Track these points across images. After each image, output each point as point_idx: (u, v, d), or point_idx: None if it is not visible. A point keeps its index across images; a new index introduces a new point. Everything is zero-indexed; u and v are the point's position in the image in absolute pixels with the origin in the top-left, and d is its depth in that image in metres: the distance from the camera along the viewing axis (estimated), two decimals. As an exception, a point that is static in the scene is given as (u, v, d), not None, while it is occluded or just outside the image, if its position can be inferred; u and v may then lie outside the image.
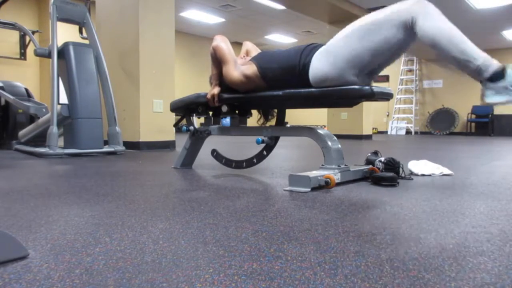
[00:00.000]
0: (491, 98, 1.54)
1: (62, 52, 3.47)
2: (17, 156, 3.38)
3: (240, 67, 2.09)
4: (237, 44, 11.28)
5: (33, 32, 6.10)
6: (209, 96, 2.20)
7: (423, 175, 2.23)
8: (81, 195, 1.56)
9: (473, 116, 11.26)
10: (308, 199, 1.51)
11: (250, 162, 2.32)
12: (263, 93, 2.06)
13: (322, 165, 1.92)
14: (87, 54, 3.60)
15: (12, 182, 1.90)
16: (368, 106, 7.81)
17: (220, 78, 2.20)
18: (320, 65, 1.82)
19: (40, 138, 3.78)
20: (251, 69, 2.04)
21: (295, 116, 13.23)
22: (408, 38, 1.67)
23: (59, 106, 3.39)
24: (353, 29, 1.75)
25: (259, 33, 10.24)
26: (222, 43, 2.16)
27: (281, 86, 1.99)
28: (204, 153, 3.27)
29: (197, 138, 2.48)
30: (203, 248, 0.91)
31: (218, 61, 2.16)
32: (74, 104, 3.42)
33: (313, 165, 2.67)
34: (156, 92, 4.20)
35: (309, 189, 1.67)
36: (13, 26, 4.82)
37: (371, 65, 1.78)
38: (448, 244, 0.96)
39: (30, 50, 7.24)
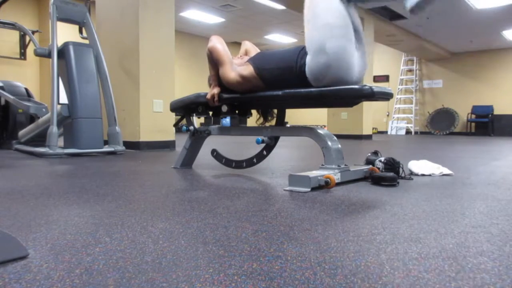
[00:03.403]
0: (411, 1, 1.66)
1: (62, 52, 3.47)
2: (17, 156, 3.38)
3: (236, 67, 2.10)
4: (237, 44, 11.28)
5: (33, 32, 6.08)
6: (209, 96, 2.20)
7: (423, 175, 2.23)
8: (81, 195, 1.56)
9: (473, 116, 11.26)
10: (308, 199, 1.51)
11: (250, 162, 2.32)
12: (263, 93, 2.06)
13: (322, 165, 1.92)
14: (87, 54, 3.60)
15: (12, 182, 1.90)
16: (368, 106, 7.81)
17: (218, 79, 2.20)
18: (313, 60, 1.82)
19: (40, 138, 3.78)
20: (247, 69, 2.05)
21: (295, 116, 13.22)
22: None
23: (59, 106, 3.39)
24: (306, 13, 1.84)
25: (259, 33, 10.24)
26: (218, 44, 2.16)
27: (279, 86, 2.00)
28: (204, 153, 3.27)
29: (197, 138, 2.48)
30: (203, 248, 0.91)
31: (214, 62, 2.17)
32: (74, 104, 3.41)
33: (313, 165, 2.67)
34: (156, 92, 4.20)
35: (309, 189, 1.67)
36: (13, 26, 4.81)
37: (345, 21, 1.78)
38: (448, 244, 0.96)
39: (30, 50, 7.22)
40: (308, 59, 1.84)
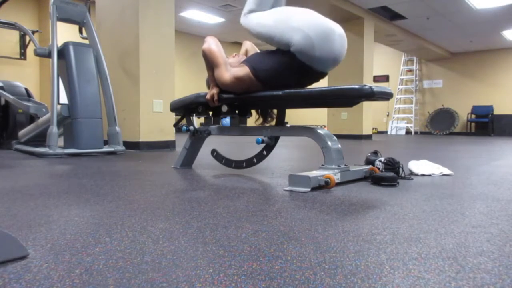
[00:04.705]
0: None
1: (62, 52, 3.47)
2: (17, 156, 3.38)
3: (231, 69, 2.11)
4: (237, 44, 11.29)
5: (33, 32, 6.09)
6: (208, 96, 2.20)
7: (423, 175, 2.23)
8: (81, 195, 1.56)
9: (473, 116, 11.26)
10: (308, 199, 1.51)
11: (250, 162, 2.32)
12: (263, 93, 2.07)
13: (322, 165, 1.92)
14: (87, 54, 3.60)
15: (12, 182, 1.90)
16: (368, 106, 7.81)
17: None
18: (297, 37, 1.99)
19: (40, 138, 3.78)
20: (243, 71, 2.06)
21: (295, 116, 13.22)
22: None
23: (59, 106, 3.39)
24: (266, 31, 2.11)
25: (259, 33, 10.24)
26: (212, 45, 2.15)
27: (274, 84, 2.03)
28: (204, 153, 3.27)
29: (197, 138, 2.48)
30: (203, 248, 0.91)
31: (210, 64, 2.17)
32: (74, 104, 3.42)
33: (313, 165, 2.67)
34: (156, 92, 4.20)
35: (309, 189, 1.67)
36: (13, 26, 4.81)
37: None
38: (448, 244, 0.96)
39: (30, 50, 7.24)
40: (295, 40, 1.95)
